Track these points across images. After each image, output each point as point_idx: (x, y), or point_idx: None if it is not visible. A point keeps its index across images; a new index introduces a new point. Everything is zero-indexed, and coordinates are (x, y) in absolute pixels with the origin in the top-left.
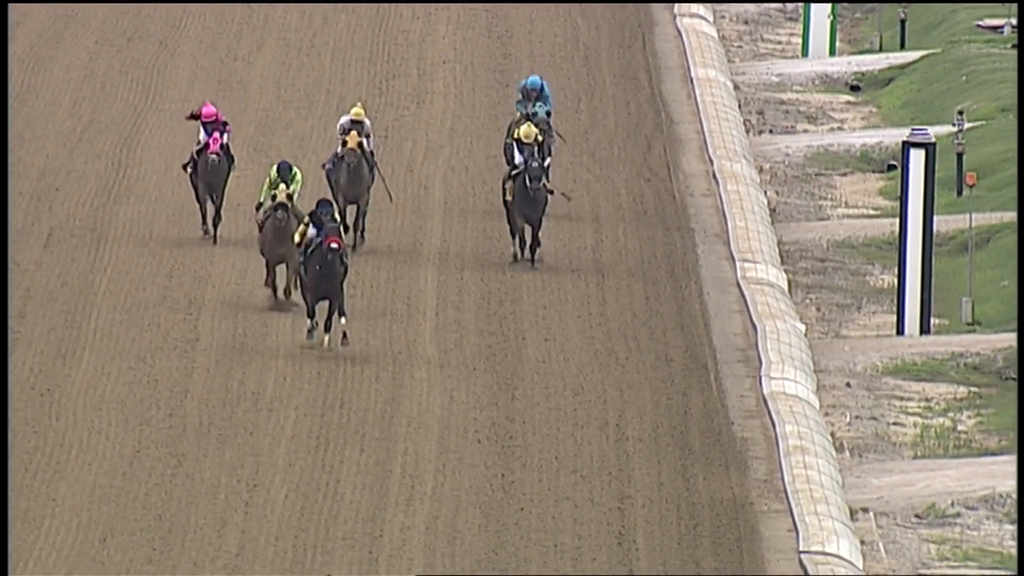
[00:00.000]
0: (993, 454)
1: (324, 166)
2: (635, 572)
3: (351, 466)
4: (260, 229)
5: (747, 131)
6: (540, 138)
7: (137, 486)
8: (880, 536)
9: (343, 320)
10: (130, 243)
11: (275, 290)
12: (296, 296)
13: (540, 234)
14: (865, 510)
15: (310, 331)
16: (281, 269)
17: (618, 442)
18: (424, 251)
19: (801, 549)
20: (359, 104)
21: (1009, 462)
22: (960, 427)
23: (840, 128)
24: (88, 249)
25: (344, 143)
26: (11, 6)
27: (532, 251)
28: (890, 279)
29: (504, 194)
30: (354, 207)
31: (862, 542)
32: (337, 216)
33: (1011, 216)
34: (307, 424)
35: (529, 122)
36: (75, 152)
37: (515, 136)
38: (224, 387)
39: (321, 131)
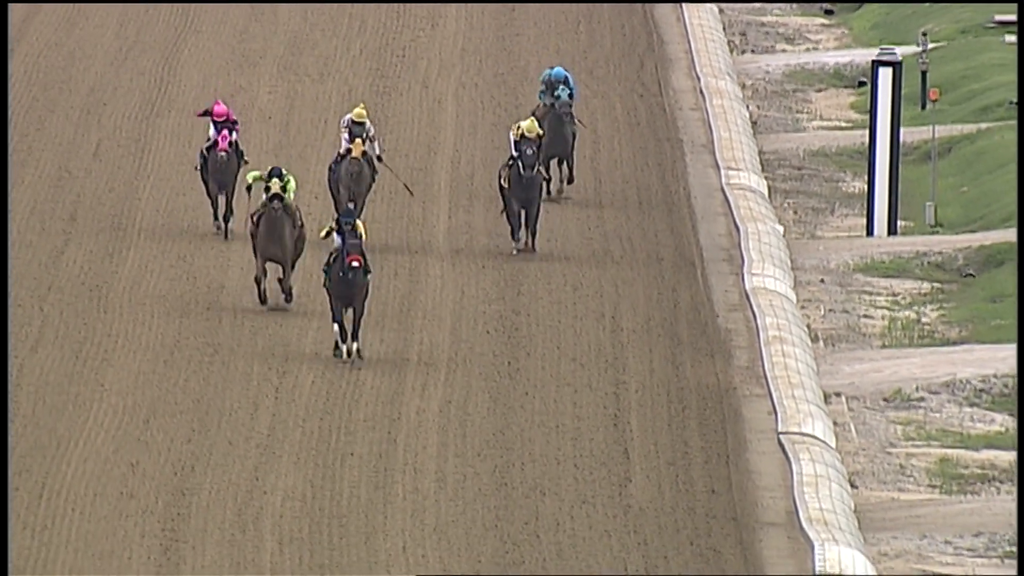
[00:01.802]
0: (954, 344)
1: (330, 167)
2: (631, 476)
3: (372, 354)
4: (253, 223)
5: (731, 51)
6: (543, 135)
7: (177, 373)
8: (851, 418)
9: (355, 345)
10: (171, 152)
11: (260, 283)
12: (290, 303)
13: (537, 223)
14: (838, 394)
15: (337, 345)
16: (272, 266)
17: (614, 333)
18: (438, 161)
19: (780, 430)
20: (361, 105)
21: (968, 351)
22: (924, 319)
23: (815, 48)
24: (133, 159)
25: (349, 150)
26: (11, 6)
27: (531, 236)
28: (860, 185)
29: (499, 179)
30: (352, 204)
31: (835, 423)
32: (360, 227)
33: (970, 128)
34: (331, 318)
35: (532, 119)
36: (121, 70)
37: (519, 131)
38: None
39: (344, 51)
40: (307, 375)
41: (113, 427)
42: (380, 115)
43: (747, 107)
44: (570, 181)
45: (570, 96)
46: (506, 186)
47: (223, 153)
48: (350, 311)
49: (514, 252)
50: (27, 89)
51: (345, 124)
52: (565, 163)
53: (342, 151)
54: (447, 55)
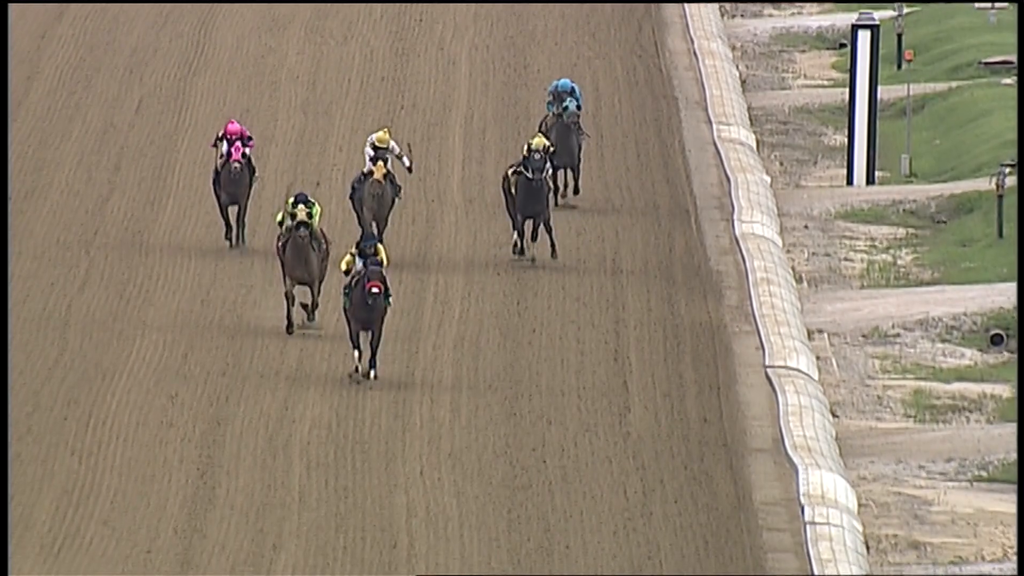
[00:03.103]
0: (927, 285)
1: (352, 187)
2: (631, 431)
3: (391, 294)
4: (280, 251)
5: (722, 15)
6: (552, 148)
7: (213, 311)
8: (832, 353)
9: (373, 372)
10: (207, 109)
11: (291, 301)
12: (318, 318)
13: (552, 231)
14: (820, 331)
15: (356, 368)
16: (301, 288)
17: (614, 275)
18: (452, 117)
19: (767, 364)
20: (384, 130)
21: (940, 291)
22: (900, 262)
23: (799, 13)
24: (172, 114)
25: (371, 172)
26: (11, 6)
27: (552, 248)
28: (841, 139)
29: (503, 183)
30: (376, 224)
31: (818, 358)
32: (382, 251)
33: (942, 86)
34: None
35: (540, 135)
36: (161, 32)
37: (528, 147)
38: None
39: (366, 15)
40: (332, 314)
41: (154, 361)
42: (399, 74)
43: (737, 67)
44: (576, 191)
45: (577, 108)
46: (512, 192)
47: (236, 163)
48: (367, 334)
49: (515, 258)
50: (75, 50)
51: (369, 143)
52: (572, 173)
53: (365, 171)
54: (461, 19)
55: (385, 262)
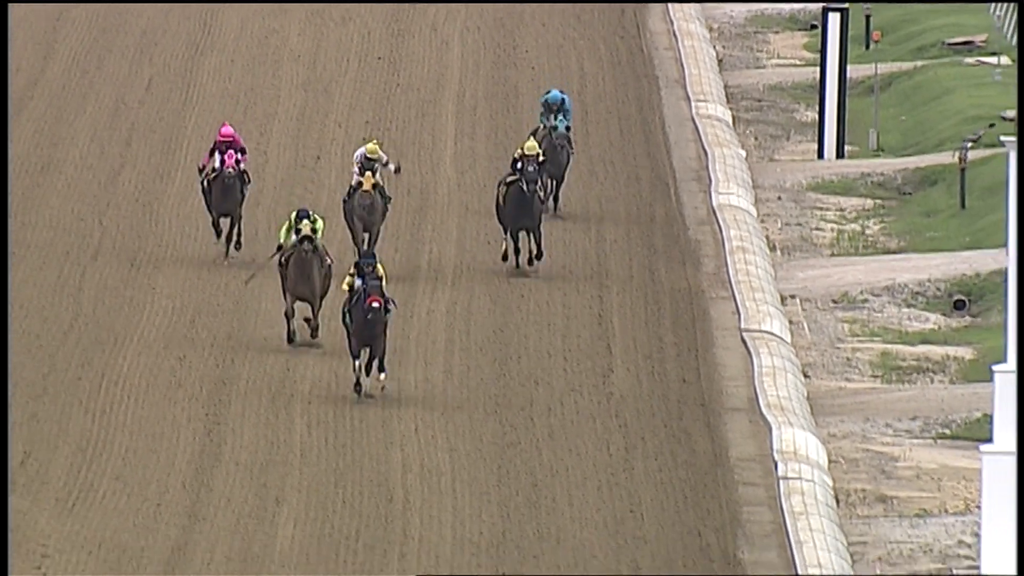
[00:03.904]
0: (893, 253)
1: (343, 200)
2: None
3: (387, 263)
4: (283, 265)
5: None
6: (541, 155)
7: (219, 277)
8: (804, 317)
9: (383, 376)
10: (214, 86)
11: (290, 321)
12: (315, 337)
13: (542, 242)
14: (793, 297)
15: (357, 383)
16: (301, 306)
17: (598, 243)
18: (445, 94)
19: (742, 327)
20: (374, 141)
21: (905, 259)
22: (867, 232)
23: None
24: (180, 92)
25: (360, 183)
26: (11, 6)
27: (538, 257)
28: (812, 115)
29: (497, 198)
30: (367, 235)
31: (790, 322)
32: (380, 268)
33: (908, 65)
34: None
35: (532, 139)
36: (169, 14)
37: (520, 151)
38: (287, 201)
39: None
40: (332, 283)
41: (163, 325)
42: (395, 54)
43: (714, 47)
44: (555, 206)
45: (567, 128)
46: (503, 205)
47: (230, 170)
48: (367, 349)
49: (503, 260)
50: (88, 32)
51: (357, 158)
52: (555, 184)
53: (354, 184)
54: (453, 2)
55: (384, 279)
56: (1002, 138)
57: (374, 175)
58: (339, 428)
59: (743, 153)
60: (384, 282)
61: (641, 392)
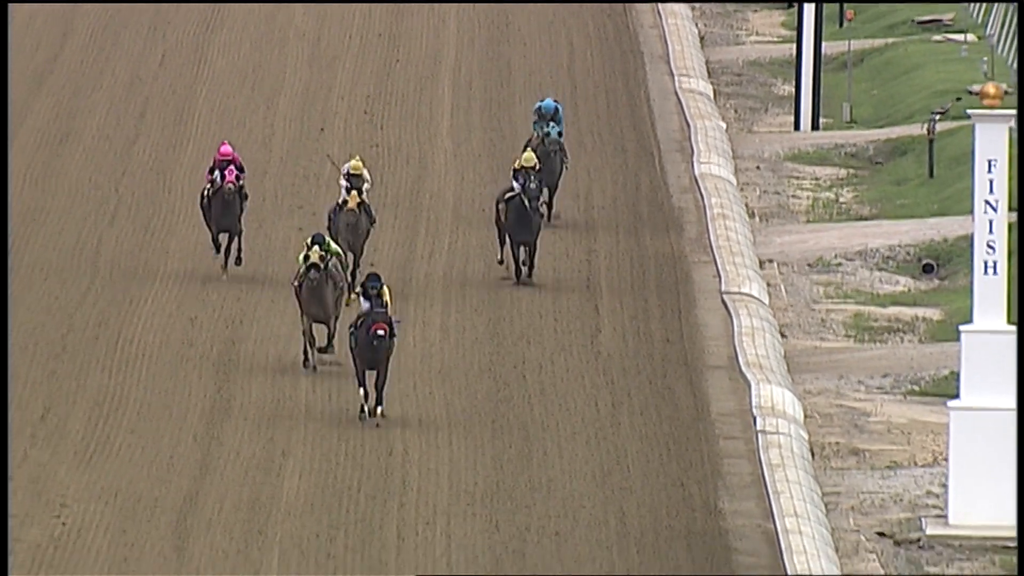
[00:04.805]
0: (866, 219)
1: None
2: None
3: (387, 229)
4: (297, 293)
5: None
6: (539, 166)
7: None
8: (781, 280)
9: (380, 409)
10: (224, 62)
11: (310, 344)
12: (331, 353)
13: (535, 258)
14: (770, 261)
15: (363, 408)
16: (318, 327)
17: (586, 210)
18: (441, 69)
19: (723, 290)
20: (356, 158)
21: (877, 226)
22: (841, 199)
23: None
24: (192, 67)
25: (346, 201)
26: (11, 6)
27: (529, 270)
28: (789, 89)
29: (497, 215)
30: (351, 254)
31: (768, 284)
32: (386, 292)
33: (880, 42)
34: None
35: (530, 150)
36: None
37: (518, 164)
38: (292, 172)
39: None
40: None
41: (176, 288)
42: (395, 31)
43: (696, 25)
44: (549, 213)
45: (559, 135)
46: (504, 221)
47: (230, 185)
48: (373, 373)
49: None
50: (104, 9)
51: (345, 172)
52: (548, 191)
53: (340, 201)
54: None
55: (390, 304)
56: (968, 111)
57: (360, 194)
58: (342, 385)
59: (723, 125)
60: (389, 306)
61: (627, 351)
